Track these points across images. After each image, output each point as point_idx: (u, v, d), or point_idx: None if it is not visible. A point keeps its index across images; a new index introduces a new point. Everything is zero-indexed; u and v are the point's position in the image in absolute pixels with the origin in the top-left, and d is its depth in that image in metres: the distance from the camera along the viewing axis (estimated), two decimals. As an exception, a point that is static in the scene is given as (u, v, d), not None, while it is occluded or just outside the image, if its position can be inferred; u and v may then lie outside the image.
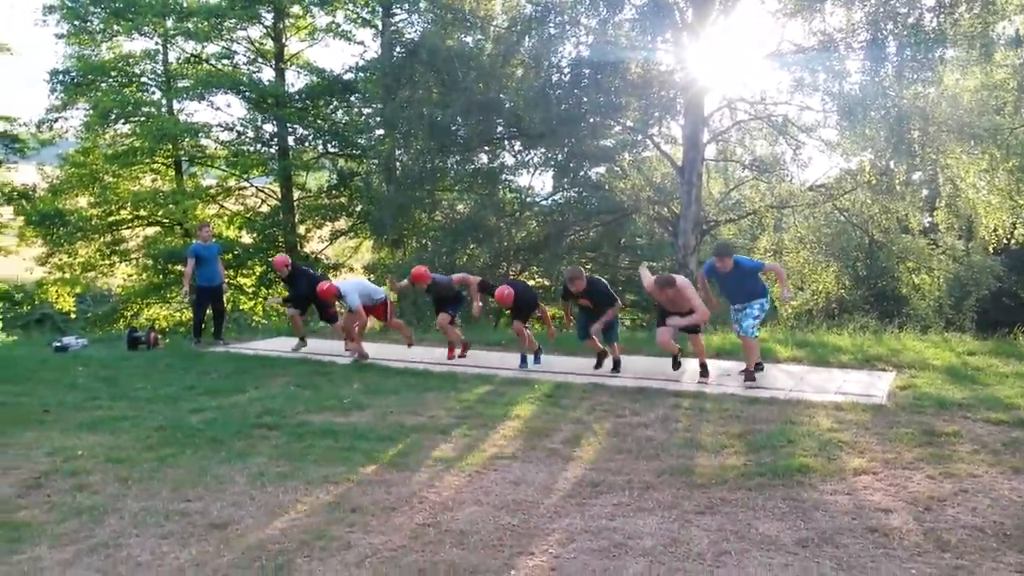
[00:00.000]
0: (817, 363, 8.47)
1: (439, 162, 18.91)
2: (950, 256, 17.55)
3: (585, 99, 16.65)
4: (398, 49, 20.56)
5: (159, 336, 11.60)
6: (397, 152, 20.77)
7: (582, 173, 19.43)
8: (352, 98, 23.63)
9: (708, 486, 4.61)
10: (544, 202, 20.65)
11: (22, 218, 21.96)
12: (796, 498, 4.36)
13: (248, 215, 23.33)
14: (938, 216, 16.94)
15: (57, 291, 22.22)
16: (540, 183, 26.44)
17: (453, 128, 18.34)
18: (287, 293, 10.45)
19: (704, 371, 7.77)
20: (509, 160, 20.22)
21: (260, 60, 23.37)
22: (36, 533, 4.07)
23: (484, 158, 19.95)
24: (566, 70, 17.02)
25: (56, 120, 22.38)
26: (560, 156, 18.61)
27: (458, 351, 9.45)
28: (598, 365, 8.42)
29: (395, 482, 4.83)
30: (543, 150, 18.93)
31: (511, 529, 4.06)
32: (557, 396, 7.05)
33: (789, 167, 17.61)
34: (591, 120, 16.94)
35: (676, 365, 8.01)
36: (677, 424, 6.04)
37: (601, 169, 20.07)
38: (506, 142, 19.65)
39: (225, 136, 23.09)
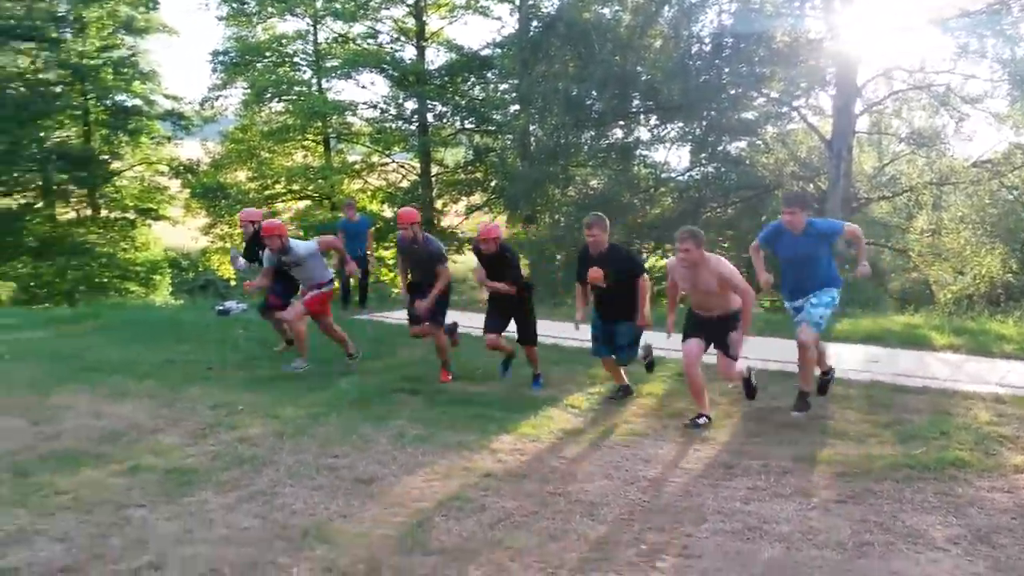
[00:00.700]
0: (977, 352, 7.87)
1: (573, 137, 18.86)
2: None
3: (726, 70, 16.09)
4: (535, 23, 20.58)
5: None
6: (532, 127, 20.89)
7: (721, 147, 18.80)
8: (489, 74, 23.96)
9: (851, 475, 4.42)
10: (680, 178, 20.16)
11: (188, 190, 23.90)
12: (949, 493, 4.11)
13: (389, 190, 24.27)
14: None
15: (219, 259, 24.06)
16: (676, 158, 25.79)
17: (588, 102, 18.22)
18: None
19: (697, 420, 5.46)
20: (644, 135, 19.91)
21: (402, 39, 24.09)
22: (202, 479, 4.46)
23: (619, 133, 19.72)
24: (707, 40, 16.49)
25: (217, 98, 24.11)
26: (698, 130, 18.08)
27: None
28: (616, 395, 6.29)
29: (526, 451, 4.94)
30: (680, 124, 18.48)
31: (641, 505, 4.07)
32: (690, 375, 6.92)
33: (950, 141, 16.34)
34: (732, 92, 16.37)
35: (697, 422, 5.44)
36: (818, 410, 5.81)
37: (742, 143, 19.35)
38: (642, 116, 19.31)
39: (369, 114, 24.09)
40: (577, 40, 17.83)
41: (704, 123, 17.49)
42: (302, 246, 7.31)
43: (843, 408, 5.88)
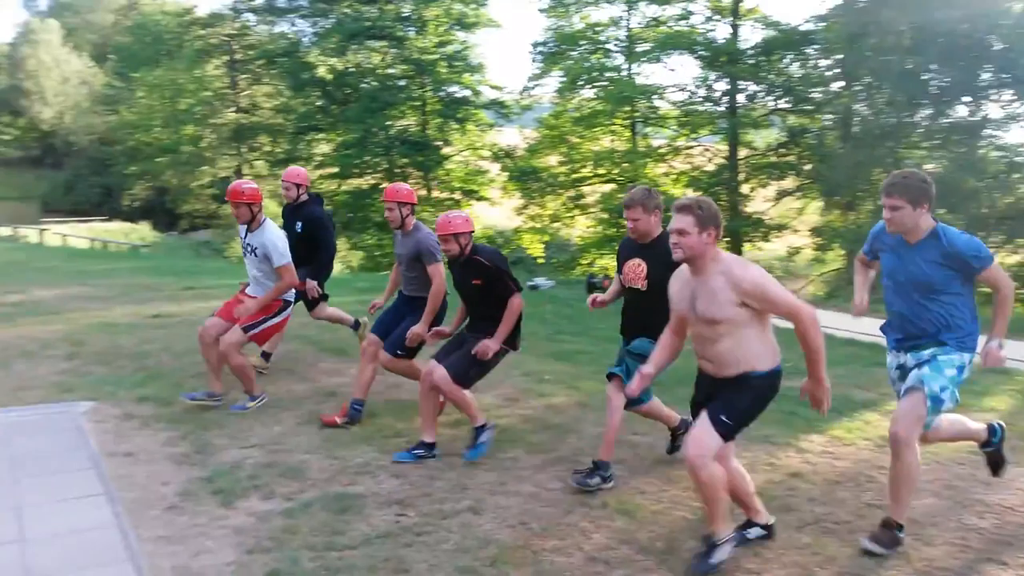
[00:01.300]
0: None
1: (906, 116, 17.02)
2: None
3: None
4: (867, -9, 18.80)
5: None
6: (856, 106, 19.22)
7: (1100, 126, 15.69)
8: (808, 50, 22.46)
9: None
10: (1040, 162, 17.21)
11: (506, 174, 25.83)
12: None
13: (694, 173, 23.94)
14: None
15: (529, 238, 25.69)
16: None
17: (926, 77, 16.28)
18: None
19: None
20: (995, 113, 17.29)
21: (716, 18, 23.48)
22: (514, 438, 4.83)
23: (963, 110, 17.38)
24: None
25: (534, 87, 25.63)
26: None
27: None
28: (672, 444, 4.50)
29: (837, 455, 4.61)
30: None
31: (979, 532, 3.58)
32: (1047, 392, 5.94)
33: None
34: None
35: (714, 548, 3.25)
36: None
37: None
38: (992, 91, 16.79)
39: (676, 96, 23.94)
40: (915, 8, 15.94)
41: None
42: (278, 243, 5.12)
43: None
